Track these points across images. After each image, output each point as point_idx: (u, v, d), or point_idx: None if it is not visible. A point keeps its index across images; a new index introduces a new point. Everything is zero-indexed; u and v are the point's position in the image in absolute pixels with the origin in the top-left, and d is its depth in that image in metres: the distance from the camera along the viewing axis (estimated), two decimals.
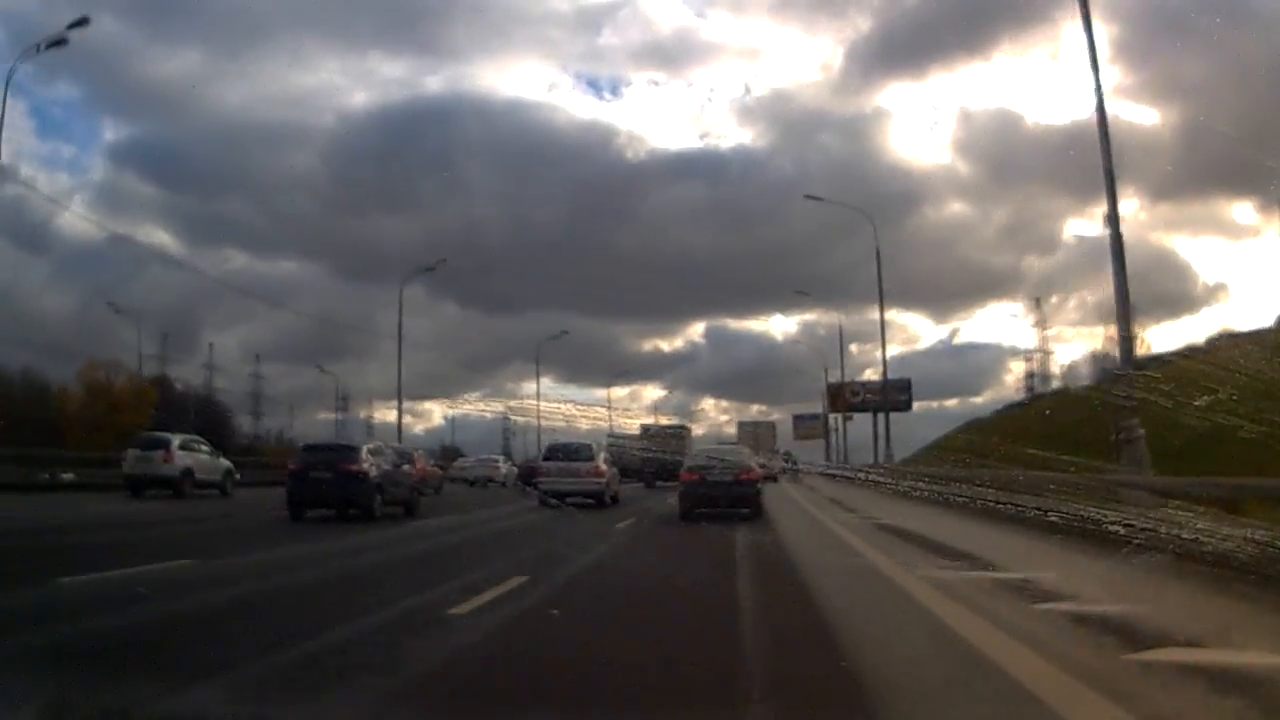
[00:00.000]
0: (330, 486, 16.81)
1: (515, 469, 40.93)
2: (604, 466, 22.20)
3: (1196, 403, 13.90)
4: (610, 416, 45.91)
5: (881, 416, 48.10)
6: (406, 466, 19.89)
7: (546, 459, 22.71)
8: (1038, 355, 64.22)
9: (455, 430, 69.43)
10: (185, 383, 54.98)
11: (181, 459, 23.97)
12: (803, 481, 40.18)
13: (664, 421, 59.35)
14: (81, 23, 26.75)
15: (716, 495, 17.53)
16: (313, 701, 4.40)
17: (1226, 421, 13.07)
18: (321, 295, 78.45)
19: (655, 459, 35.99)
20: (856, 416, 60.60)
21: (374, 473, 17.32)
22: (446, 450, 57.71)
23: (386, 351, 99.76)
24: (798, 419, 70.73)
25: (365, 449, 17.94)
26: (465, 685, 4.70)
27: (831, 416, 63.50)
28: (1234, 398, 13.10)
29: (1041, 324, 64.40)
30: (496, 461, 43.49)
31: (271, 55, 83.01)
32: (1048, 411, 42.41)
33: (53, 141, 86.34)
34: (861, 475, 36.55)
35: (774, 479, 37.41)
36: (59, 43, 26.28)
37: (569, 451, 22.48)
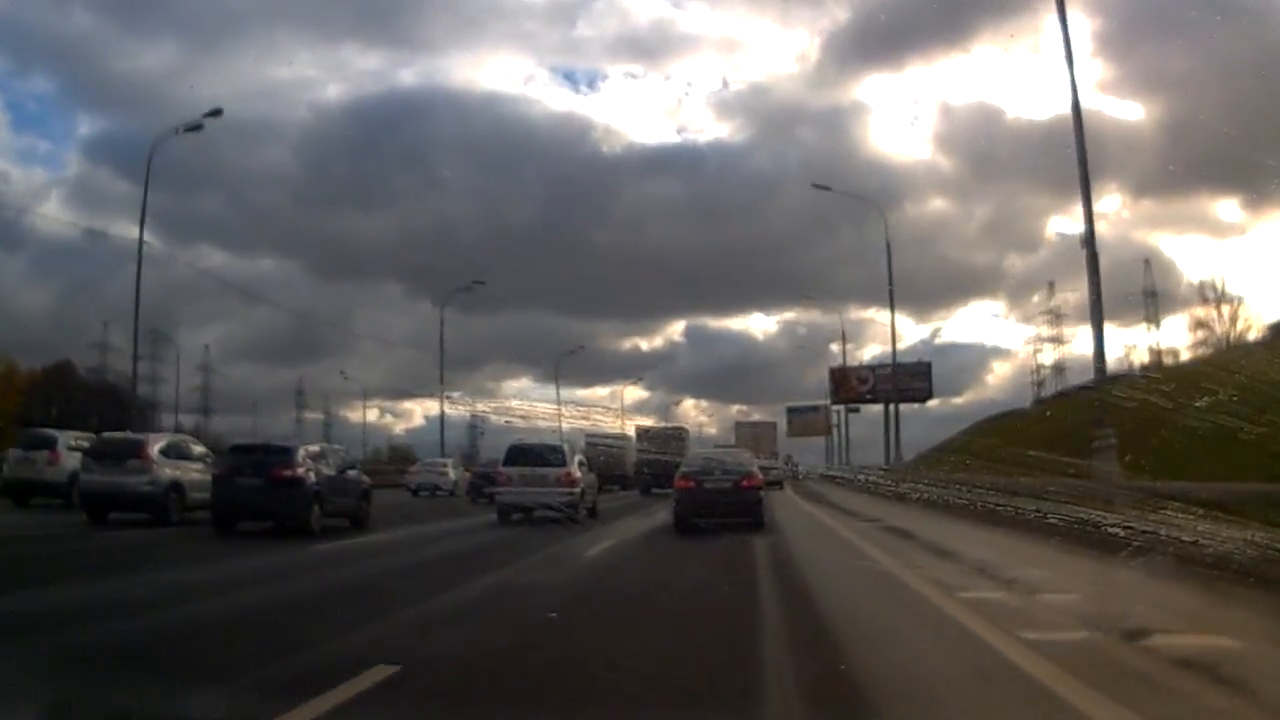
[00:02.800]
0: (259, 494, 16.64)
1: (468, 475, 40.60)
2: (577, 473, 21.67)
3: (1197, 404, 14.79)
4: (559, 415, 45.74)
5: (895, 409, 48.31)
6: (352, 472, 19.65)
7: (507, 463, 21.96)
8: (1053, 344, 65.21)
9: (429, 432, 71.26)
10: (94, 370, 55.57)
11: (72, 462, 22.32)
12: (824, 498, 34.65)
13: (647, 423, 59.71)
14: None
15: (715, 504, 17.67)
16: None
17: (1227, 423, 13.70)
18: (296, 293, 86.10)
19: (652, 464, 36.14)
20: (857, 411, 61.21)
21: (312, 478, 17.12)
22: (395, 452, 57.63)
23: (364, 351, 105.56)
24: (793, 412, 70.71)
25: (302, 450, 17.71)
26: None
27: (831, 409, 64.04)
28: (1234, 399, 13.83)
29: (1054, 313, 65.16)
30: (444, 466, 42.99)
31: (245, 48, 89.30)
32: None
33: (28, 136, 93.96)
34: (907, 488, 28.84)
35: (780, 485, 37.47)
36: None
37: (534, 455, 21.65)
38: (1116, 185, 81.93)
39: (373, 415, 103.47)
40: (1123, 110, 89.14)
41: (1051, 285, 66.97)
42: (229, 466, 17.47)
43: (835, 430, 67.32)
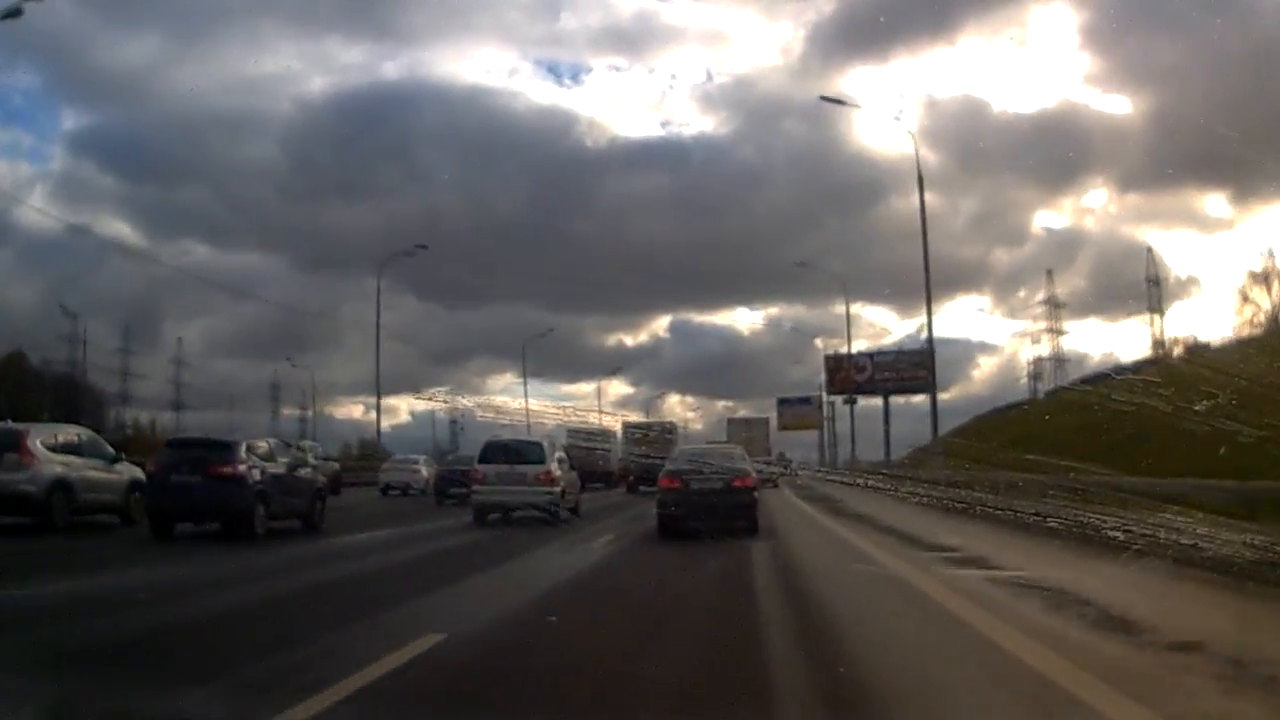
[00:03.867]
0: (196, 494, 15.68)
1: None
2: (557, 471, 21.25)
3: (1196, 407, 14.49)
4: (526, 409, 44.91)
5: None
6: (304, 470, 18.71)
7: (482, 461, 21.46)
8: (1052, 336, 64.60)
9: (415, 428, 72.22)
10: (50, 361, 55.71)
11: None
12: (842, 506, 26.15)
13: (633, 418, 59.18)
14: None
15: (704, 505, 16.82)
16: None
17: (1226, 426, 13.52)
18: (281, 287, 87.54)
19: (639, 461, 35.83)
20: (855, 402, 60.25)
21: (255, 476, 16.22)
22: (365, 448, 56.50)
23: (349, 345, 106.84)
24: (783, 404, 69.56)
25: (244, 446, 16.72)
26: None
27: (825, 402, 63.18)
28: (1234, 402, 13.79)
29: (1052, 302, 64.59)
30: (416, 463, 41.72)
31: (229, 40, 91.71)
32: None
33: (11, 130, 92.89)
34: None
35: (774, 483, 36.70)
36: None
37: (511, 452, 21.22)
38: (1103, 179, 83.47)
39: (358, 411, 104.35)
40: (1110, 104, 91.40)
41: (1050, 274, 66.67)
42: (164, 463, 16.37)
43: (828, 423, 66.62)
